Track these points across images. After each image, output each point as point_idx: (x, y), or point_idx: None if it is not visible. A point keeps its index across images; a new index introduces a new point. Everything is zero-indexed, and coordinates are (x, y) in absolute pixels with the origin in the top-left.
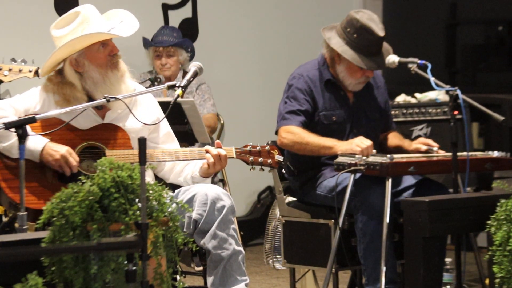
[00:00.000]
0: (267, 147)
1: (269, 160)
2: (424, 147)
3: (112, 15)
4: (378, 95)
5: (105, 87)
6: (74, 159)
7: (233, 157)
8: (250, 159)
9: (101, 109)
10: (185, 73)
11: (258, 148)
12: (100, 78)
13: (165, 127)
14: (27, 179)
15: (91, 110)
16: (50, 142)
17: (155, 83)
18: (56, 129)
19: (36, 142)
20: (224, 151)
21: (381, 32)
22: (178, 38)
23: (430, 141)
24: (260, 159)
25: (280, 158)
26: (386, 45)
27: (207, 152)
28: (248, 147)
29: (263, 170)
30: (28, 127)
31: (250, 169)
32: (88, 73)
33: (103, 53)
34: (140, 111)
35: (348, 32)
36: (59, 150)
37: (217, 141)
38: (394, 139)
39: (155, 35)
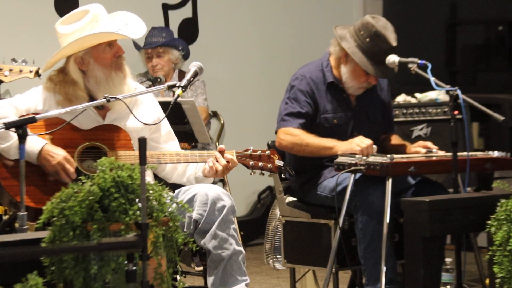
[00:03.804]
0: (268, 152)
1: (269, 165)
2: (423, 150)
3: (117, 16)
4: (381, 97)
5: (108, 87)
6: (71, 166)
7: None
8: (251, 163)
9: (102, 109)
10: (180, 72)
11: (258, 152)
12: (103, 78)
13: (166, 127)
14: (28, 178)
15: (92, 110)
16: (48, 144)
17: (156, 84)
18: (57, 129)
19: (34, 144)
20: (232, 161)
21: (394, 42)
22: (167, 37)
23: (429, 144)
24: (260, 164)
25: (281, 163)
26: (391, 57)
27: (217, 160)
28: (249, 151)
29: (263, 174)
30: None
31: (250, 173)
32: (92, 72)
33: (109, 54)
34: (141, 111)
35: (361, 35)
36: (56, 156)
37: (221, 146)
38: (393, 140)
39: (145, 37)
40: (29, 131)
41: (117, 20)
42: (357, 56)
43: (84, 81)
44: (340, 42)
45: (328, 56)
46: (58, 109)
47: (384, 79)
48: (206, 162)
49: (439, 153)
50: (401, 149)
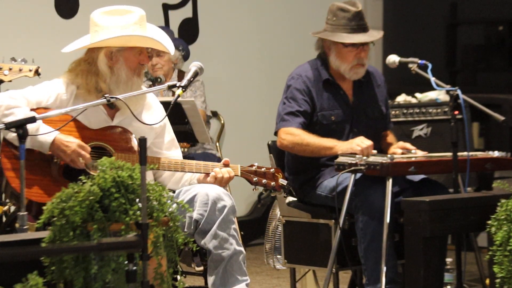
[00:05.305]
0: (272, 170)
1: (272, 183)
2: (399, 151)
3: (150, 28)
4: (378, 94)
5: (126, 89)
6: (86, 152)
7: (237, 175)
8: (254, 179)
9: (112, 108)
10: (180, 72)
11: (263, 169)
12: (125, 80)
13: (170, 134)
14: (33, 171)
15: (103, 110)
16: (60, 134)
17: (156, 83)
18: (63, 126)
19: (46, 134)
20: (233, 172)
21: (354, 8)
22: None
23: (408, 145)
24: (264, 181)
25: (284, 182)
26: (374, 31)
27: (224, 166)
28: (254, 167)
29: (266, 191)
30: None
31: (253, 189)
32: (118, 71)
33: (137, 59)
34: (150, 115)
35: (329, 19)
36: (70, 145)
37: (226, 159)
38: (387, 139)
39: None
40: (41, 121)
41: (150, 30)
42: (329, 36)
43: (108, 76)
44: (314, 35)
45: (320, 55)
46: (68, 107)
47: (380, 75)
48: (209, 172)
49: (418, 153)
50: (384, 150)
